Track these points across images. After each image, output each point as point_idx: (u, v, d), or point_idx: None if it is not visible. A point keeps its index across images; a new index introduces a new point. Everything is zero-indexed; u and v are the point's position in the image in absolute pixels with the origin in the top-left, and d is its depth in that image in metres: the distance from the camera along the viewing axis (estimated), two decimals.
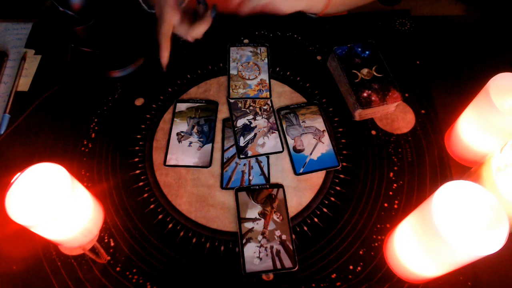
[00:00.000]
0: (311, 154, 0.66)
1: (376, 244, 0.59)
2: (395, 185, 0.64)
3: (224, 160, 0.66)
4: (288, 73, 0.76)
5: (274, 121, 0.70)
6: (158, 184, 0.64)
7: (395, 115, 0.71)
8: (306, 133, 0.68)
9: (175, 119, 0.70)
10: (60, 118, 0.71)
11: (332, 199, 0.63)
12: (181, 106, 0.71)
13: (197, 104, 0.72)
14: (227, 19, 0.75)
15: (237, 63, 0.76)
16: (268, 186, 0.63)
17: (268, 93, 0.72)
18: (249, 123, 0.69)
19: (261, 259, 0.57)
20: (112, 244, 0.59)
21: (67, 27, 0.67)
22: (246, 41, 0.80)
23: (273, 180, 0.64)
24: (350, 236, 0.59)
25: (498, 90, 0.55)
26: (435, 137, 0.68)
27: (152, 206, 0.62)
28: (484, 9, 0.87)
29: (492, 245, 0.42)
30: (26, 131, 0.69)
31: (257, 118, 0.70)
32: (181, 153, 0.66)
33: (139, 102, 0.73)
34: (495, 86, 0.55)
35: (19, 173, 0.49)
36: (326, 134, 0.68)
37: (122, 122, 0.71)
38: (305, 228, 0.60)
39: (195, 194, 0.63)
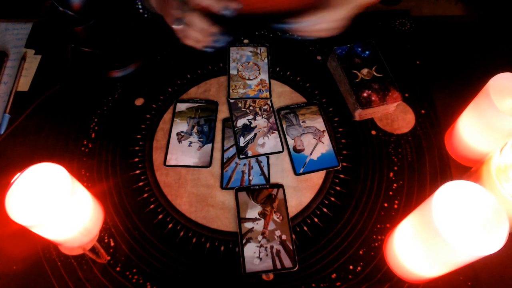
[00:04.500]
0: (311, 154, 0.66)
1: (376, 244, 0.59)
2: (395, 185, 0.64)
3: (224, 160, 0.66)
4: (288, 73, 0.76)
5: (274, 121, 0.70)
6: (158, 184, 0.64)
7: (395, 115, 0.71)
8: (306, 133, 0.68)
9: (175, 119, 0.70)
10: (60, 118, 0.71)
11: (332, 199, 0.63)
12: (181, 106, 0.72)
13: (197, 104, 0.72)
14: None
15: (237, 63, 0.76)
16: (268, 186, 0.63)
17: (268, 93, 0.72)
18: (249, 123, 0.69)
19: (261, 259, 0.57)
20: (112, 244, 0.59)
21: (67, 27, 0.67)
22: (246, 41, 0.80)
23: (273, 180, 0.64)
24: (350, 236, 0.59)
25: (498, 90, 0.55)
26: (435, 137, 0.68)
27: (152, 206, 0.62)
28: (484, 9, 0.87)
29: (492, 245, 0.42)
30: (26, 131, 0.69)
31: (257, 118, 0.70)
32: (181, 153, 0.66)
33: (139, 102, 0.73)
34: (495, 86, 0.55)
35: (19, 173, 0.49)
36: (326, 134, 0.68)
37: (122, 122, 0.71)
38: (305, 228, 0.60)
39: (195, 194, 0.63)
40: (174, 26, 0.64)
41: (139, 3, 0.75)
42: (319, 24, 0.62)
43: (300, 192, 0.63)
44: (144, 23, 0.80)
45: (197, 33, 0.64)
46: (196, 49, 0.67)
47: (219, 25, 0.62)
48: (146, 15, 0.78)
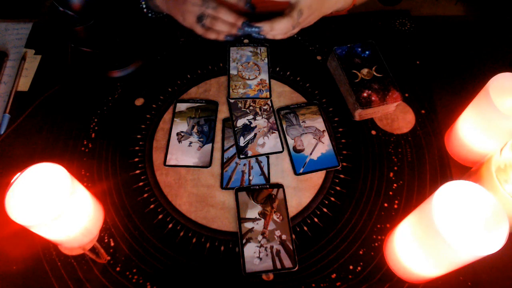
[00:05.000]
0: (311, 154, 0.66)
1: (376, 244, 0.59)
2: (395, 185, 0.64)
3: (224, 160, 0.66)
4: (288, 73, 0.76)
5: (274, 121, 0.70)
6: (158, 184, 0.64)
7: (395, 115, 0.71)
8: (306, 133, 0.68)
9: (175, 119, 0.70)
10: (60, 118, 0.71)
11: (332, 199, 0.63)
12: (181, 106, 0.72)
13: (197, 104, 0.72)
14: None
15: (237, 63, 0.76)
16: (268, 186, 0.63)
17: (268, 93, 0.72)
18: (249, 123, 0.69)
19: (261, 259, 0.57)
20: (112, 244, 0.59)
21: (67, 27, 0.67)
22: (246, 41, 0.80)
23: (273, 180, 0.64)
24: (350, 236, 0.59)
25: (498, 90, 0.55)
26: (435, 137, 0.68)
27: (152, 206, 0.62)
28: (484, 9, 0.87)
29: (492, 245, 0.42)
30: (26, 131, 0.69)
31: (257, 118, 0.70)
32: (181, 153, 0.66)
33: (139, 102, 0.73)
34: (495, 86, 0.55)
35: (19, 173, 0.49)
36: (326, 134, 0.68)
37: (122, 122, 0.71)
38: (305, 228, 0.60)
39: (195, 194, 0.63)
40: (198, 23, 0.66)
41: (143, 2, 0.75)
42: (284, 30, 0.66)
43: (300, 192, 0.63)
44: (146, 23, 0.80)
45: (223, 26, 0.66)
46: (218, 41, 0.69)
47: (243, 16, 0.65)
48: (150, 15, 0.78)
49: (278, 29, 0.64)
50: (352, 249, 0.58)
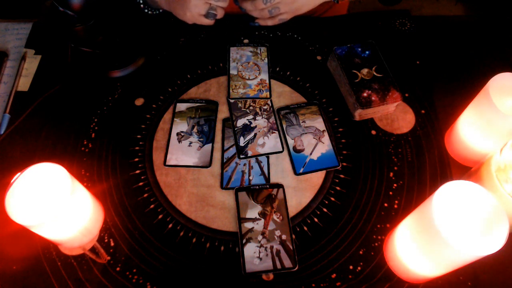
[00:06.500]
0: (311, 154, 0.66)
1: (376, 244, 0.59)
2: (395, 185, 0.64)
3: (224, 160, 0.66)
4: (288, 73, 0.76)
5: (274, 121, 0.70)
6: (158, 184, 0.64)
7: (395, 115, 0.71)
8: (306, 133, 0.68)
9: (175, 119, 0.70)
10: (60, 118, 0.71)
11: (332, 199, 0.63)
12: (181, 106, 0.72)
13: (197, 104, 0.72)
14: (226, 18, 0.75)
15: (237, 63, 0.76)
16: (268, 186, 0.63)
17: (268, 93, 0.72)
18: (249, 123, 0.69)
19: (261, 259, 0.57)
20: (112, 244, 0.59)
21: (67, 27, 0.67)
22: (246, 41, 0.80)
23: (273, 180, 0.64)
24: (350, 236, 0.59)
25: (498, 90, 0.55)
26: (435, 137, 0.68)
27: (152, 206, 0.62)
28: (484, 9, 0.87)
29: (492, 245, 0.42)
30: (26, 131, 0.69)
31: (257, 118, 0.70)
32: (181, 153, 0.66)
33: (139, 102, 0.73)
34: (495, 86, 0.55)
35: (19, 173, 0.49)
36: (326, 134, 0.68)
37: (122, 122, 0.71)
38: (305, 228, 0.60)
39: (195, 194, 0.63)
40: (207, 17, 0.72)
41: None
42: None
43: (300, 192, 0.63)
44: (146, 22, 0.80)
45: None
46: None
47: None
48: (146, 11, 0.78)
49: (251, 7, 0.74)
50: (352, 249, 0.58)
